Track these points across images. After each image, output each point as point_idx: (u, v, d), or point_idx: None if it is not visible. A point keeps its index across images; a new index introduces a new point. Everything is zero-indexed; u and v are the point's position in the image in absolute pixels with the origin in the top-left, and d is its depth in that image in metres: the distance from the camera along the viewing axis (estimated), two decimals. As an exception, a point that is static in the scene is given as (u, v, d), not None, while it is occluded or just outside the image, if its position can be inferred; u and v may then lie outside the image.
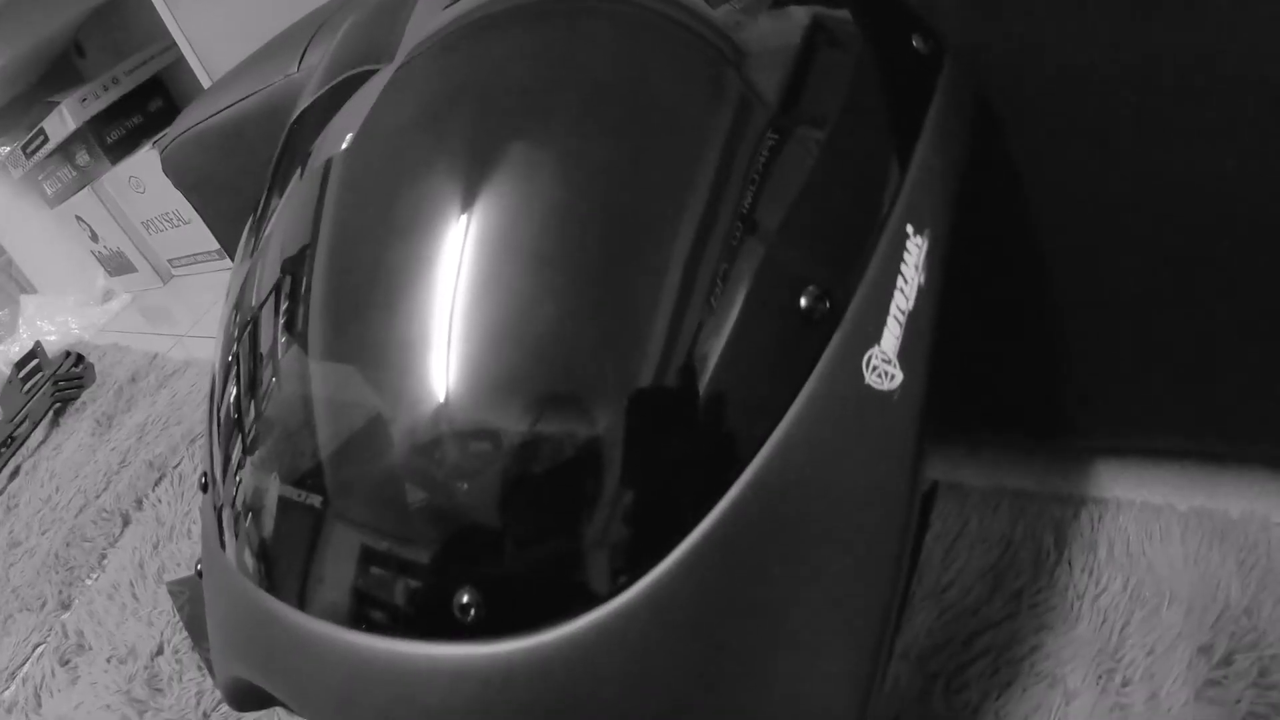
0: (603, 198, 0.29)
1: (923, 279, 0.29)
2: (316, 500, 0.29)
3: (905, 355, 0.28)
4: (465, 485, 0.27)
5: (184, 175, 0.85)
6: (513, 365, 0.27)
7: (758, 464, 0.26)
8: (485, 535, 0.27)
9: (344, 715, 0.29)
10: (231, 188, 0.78)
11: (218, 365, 0.36)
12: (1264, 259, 0.38)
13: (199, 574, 0.40)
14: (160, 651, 0.74)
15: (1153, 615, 0.45)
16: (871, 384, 0.28)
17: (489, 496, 0.27)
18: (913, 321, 0.29)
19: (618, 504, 0.26)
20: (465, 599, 0.26)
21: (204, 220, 0.88)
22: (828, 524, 0.28)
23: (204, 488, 0.37)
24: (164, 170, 0.85)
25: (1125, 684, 0.43)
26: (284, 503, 0.30)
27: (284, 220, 0.35)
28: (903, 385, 0.28)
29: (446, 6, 0.36)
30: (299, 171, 0.36)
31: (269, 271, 0.34)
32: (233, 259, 0.96)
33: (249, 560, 0.32)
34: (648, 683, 0.27)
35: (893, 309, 0.28)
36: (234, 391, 0.34)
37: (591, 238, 0.28)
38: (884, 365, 0.28)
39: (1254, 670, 0.42)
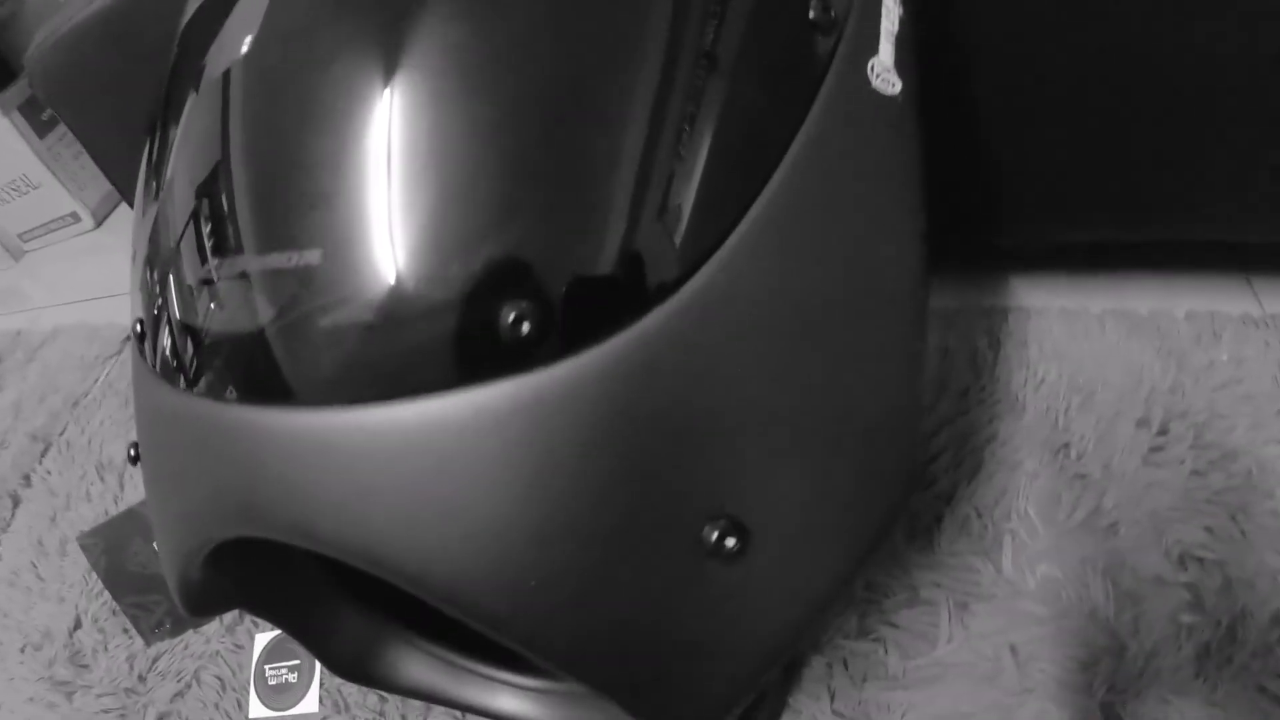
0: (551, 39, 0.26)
1: (901, 10, 0.31)
2: (304, 266, 0.25)
3: (900, 68, 0.30)
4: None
5: (59, 85, 0.73)
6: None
7: (792, 154, 0.26)
8: (530, 238, 0.24)
9: (367, 504, 0.25)
10: (121, 89, 0.66)
11: (145, 317, 0.32)
12: (1163, 47, 0.40)
13: (132, 459, 0.36)
14: (78, 625, 0.68)
15: (1090, 399, 0.47)
16: (878, 88, 0.29)
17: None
18: (900, 43, 0.30)
19: (670, 195, 0.25)
20: (512, 315, 0.23)
21: (81, 141, 0.78)
22: (861, 200, 0.29)
23: (140, 336, 0.32)
24: (31, 82, 0.72)
25: (1080, 456, 0.45)
26: (260, 287, 0.26)
27: (188, 144, 0.31)
28: (904, 93, 0.29)
29: None
30: (193, 90, 0.31)
31: (180, 203, 0.30)
32: (115, 184, 0.87)
33: (217, 373, 0.28)
34: (736, 360, 0.26)
35: (883, 29, 0.30)
36: (173, 290, 0.30)
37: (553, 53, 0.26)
38: (885, 73, 0.29)
39: (1190, 435, 0.45)
